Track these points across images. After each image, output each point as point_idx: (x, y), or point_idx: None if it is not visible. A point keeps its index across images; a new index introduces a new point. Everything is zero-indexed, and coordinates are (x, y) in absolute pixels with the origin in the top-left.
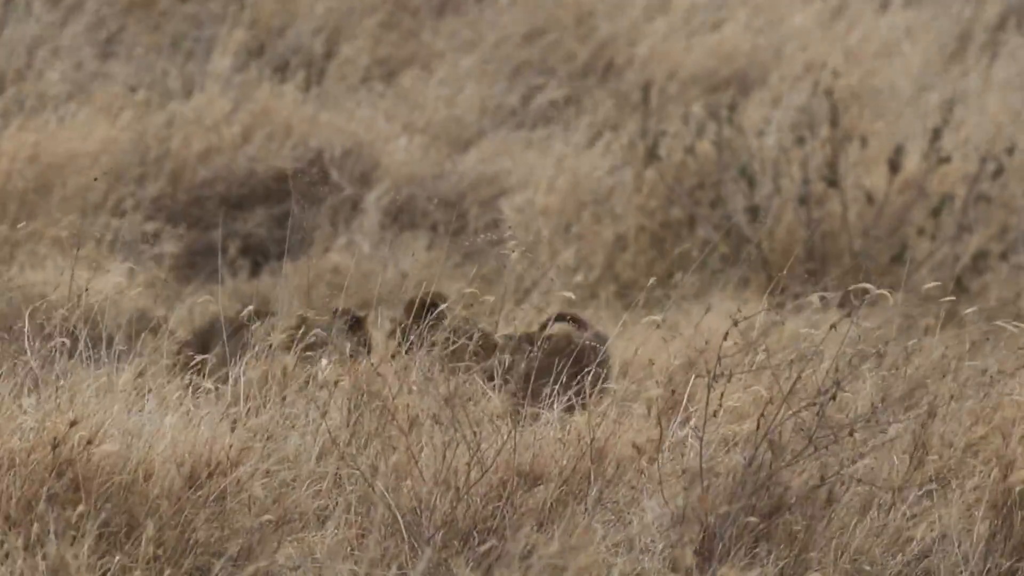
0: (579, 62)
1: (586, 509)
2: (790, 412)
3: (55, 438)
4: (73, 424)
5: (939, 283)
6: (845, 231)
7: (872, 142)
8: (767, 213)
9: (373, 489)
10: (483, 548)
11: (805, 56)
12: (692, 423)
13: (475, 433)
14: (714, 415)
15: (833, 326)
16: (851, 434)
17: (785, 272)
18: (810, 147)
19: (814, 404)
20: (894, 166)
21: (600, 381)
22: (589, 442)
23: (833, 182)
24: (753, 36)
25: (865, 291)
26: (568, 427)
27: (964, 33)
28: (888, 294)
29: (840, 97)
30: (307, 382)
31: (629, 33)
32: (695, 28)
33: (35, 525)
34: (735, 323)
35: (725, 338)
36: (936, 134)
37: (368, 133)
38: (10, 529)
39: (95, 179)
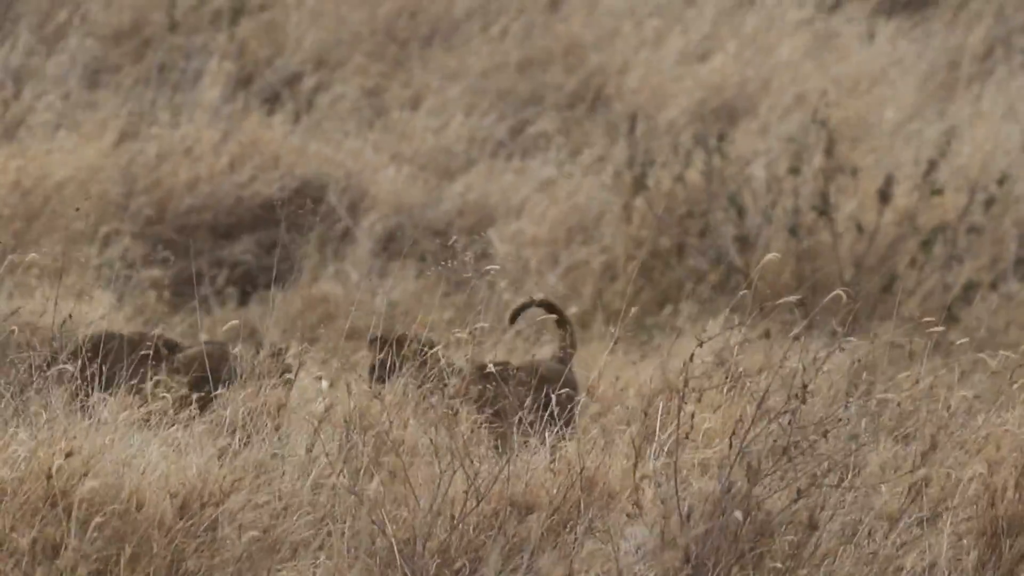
0: (568, 92)
1: (576, 538)
2: (763, 425)
3: (49, 468)
4: (69, 455)
5: (930, 315)
6: (835, 261)
7: (862, 173)
8: (757, 243)
9: (357, 518)
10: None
11: (794, 86)
12: (666, 448)
13: (473, 461)
14: (686, 437)
15: (797, 337)
16: (824, 435)
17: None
18: (801, 177)
19: (785, 412)
20: (884, 197)
21: (569, 403)
22: (579, 471)
23: (824, 212)
24: (742, 66)
25: (854, 320)
26: (558, 456)
27: (952, 63)
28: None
29: (833, 127)
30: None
31: (618, 64)
32: (684, 58)
33: (26, 556)
34: (700, 344)
35: (691, 359)
36: (932, 166)
37: (356, 163)
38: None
39: (77, 208)
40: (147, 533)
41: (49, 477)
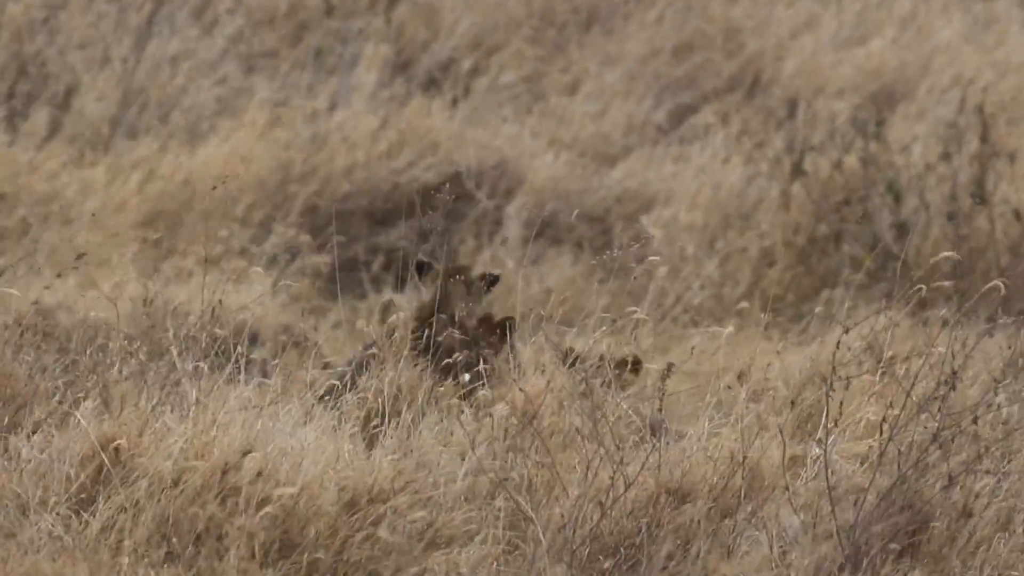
0: (726, 77)
1: (735, 525)
2: (911, 411)
3: (226, 463)
4: (247, 454)
5: None
6: (992, 248)
7: (1020, 157)
8: (914, 229)
9: (511, 507)
10: (628, 565)
11: (952, 70)
12: (817, 436)
13: (618, 447)
14: (834, 424)
15: (946, 322)
16: (975, 421)
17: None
18: (957, 163)
19: (935, 397)
20: None
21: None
22: (741, 460)
23: (980, 199)
24: (900, 50)
25: (1008, 303)
26: (713, 443)
27: None
28: None
29: (990, 112)
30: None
31: (776, 49)
32: (842, 43)
33: (190, 547)
34: (846, 330)
35: (838, 347)
36: None
37: (514, 149)
38: (170, 553)
39: (214, 188)
40: (311, 524)
41: (225, 472)
